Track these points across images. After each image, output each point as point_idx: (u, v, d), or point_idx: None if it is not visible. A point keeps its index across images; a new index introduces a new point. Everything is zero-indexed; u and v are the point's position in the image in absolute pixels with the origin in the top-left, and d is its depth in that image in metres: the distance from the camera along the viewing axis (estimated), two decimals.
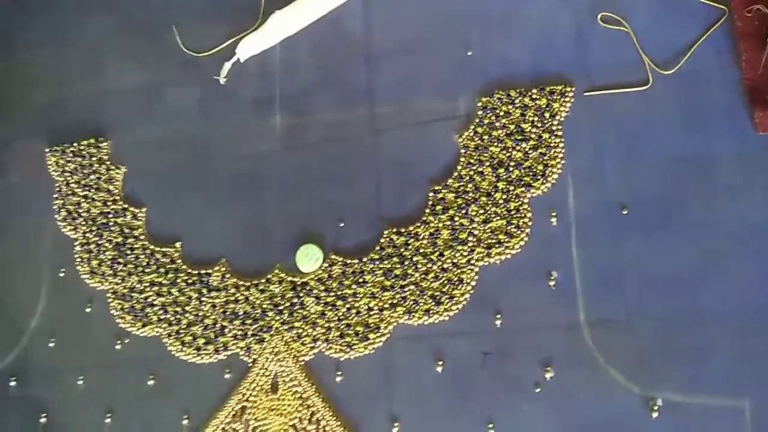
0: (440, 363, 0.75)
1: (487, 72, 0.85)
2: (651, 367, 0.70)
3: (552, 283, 0.75)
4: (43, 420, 0.83)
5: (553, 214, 0.77)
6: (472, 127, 0.83)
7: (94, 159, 0.93)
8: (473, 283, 0.77)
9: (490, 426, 0.72)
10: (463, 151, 0.82)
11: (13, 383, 0.85)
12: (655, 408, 0.68)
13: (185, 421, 0.79)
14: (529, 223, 0.77)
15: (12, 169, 0.96)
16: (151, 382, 0.81)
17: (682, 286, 0.72)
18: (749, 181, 0.74)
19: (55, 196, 0.92)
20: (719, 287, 0.71)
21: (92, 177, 0.92)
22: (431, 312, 0.77)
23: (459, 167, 0.81)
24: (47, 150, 0.94)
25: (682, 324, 0.71)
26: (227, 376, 0.80)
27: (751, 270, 0.71)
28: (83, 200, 0.91)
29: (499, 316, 0.75)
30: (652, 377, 0.70)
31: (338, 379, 0.77)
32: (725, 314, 0.70)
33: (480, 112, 0.83)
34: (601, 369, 0.71)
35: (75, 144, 0.94)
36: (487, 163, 0.81)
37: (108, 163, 0.93)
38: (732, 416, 0.67)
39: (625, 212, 0.75)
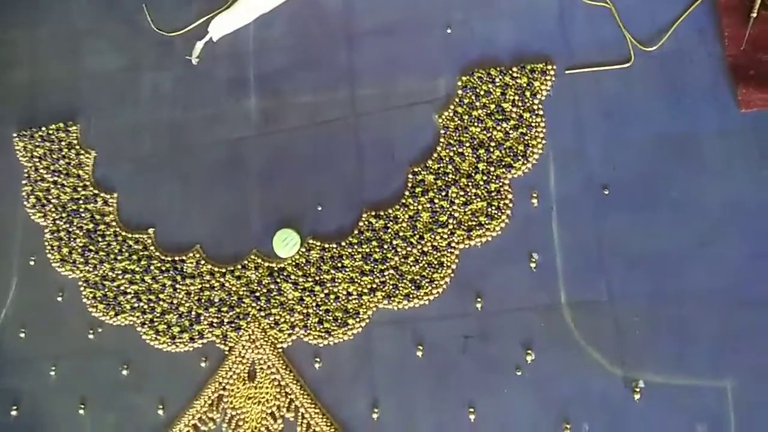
0: (421, 347, 0.74)
1: (469, 51, 0.83)
2: (633, 348, 0.69)
3: (533, 264, 0.74)
4: (14, 412, 0.81)
5: (534, 194, 0.76)
6: (452, 107, 0.81)
7: (63, 143, 0.90)
8: (453, 267, 0.75)
9: (471, 409, 0.71)
10: (443, 131, 0.80)
11: None
12: (637, 389, 0.68)
13: (161, 411, 0.77)
14: (510, 205, 0.76)
15: None
16: (125, 372, 0.79)
17: (663, 267, 0.71)
18: (732, 158, 0.73)
19: (23, 182, 0.89)
20: (701, 267, 0.70)
21: (61, 162, 0.89)
22: (411, 296, 0.75)
23: (439, 148, 0.80)
24: (14, 135, 0.91)
25: (663, 305, 0.70)
26: (203, 364, 0.78)
27: (733, 249, 0.70)
28: (53, 186, 0.88)
29: (479, 299, 0.74)
30: (633, 359, 0.69)
31: (317, 365, 0.76)
32: (707, 294, 0.69)
33: (460, 92, 0.81)
34: (582, 351, 0.70)
35: (43, 128, 0.91)
36: (468, 144, 0.79)
37: (77, 147, 0.90)
38: (714, 397, 0.67)
39: (606, 192, 0.74)
